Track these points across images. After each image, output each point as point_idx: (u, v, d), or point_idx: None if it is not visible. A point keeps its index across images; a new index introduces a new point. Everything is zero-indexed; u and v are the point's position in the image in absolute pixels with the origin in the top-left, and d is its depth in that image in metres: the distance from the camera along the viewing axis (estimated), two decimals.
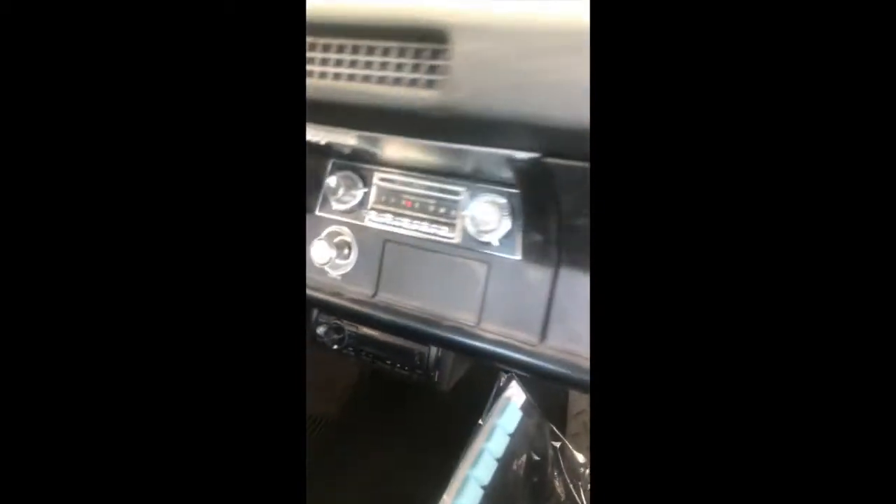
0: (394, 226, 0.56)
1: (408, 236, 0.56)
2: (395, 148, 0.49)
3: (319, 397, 1.01)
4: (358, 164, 0.58)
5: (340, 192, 0.57)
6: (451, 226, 0.54)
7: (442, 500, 0.75)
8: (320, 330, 0.74)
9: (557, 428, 0.96)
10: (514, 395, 0.91)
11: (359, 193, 0.58)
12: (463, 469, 0.79)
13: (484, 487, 0.80)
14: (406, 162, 0.55)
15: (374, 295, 0.57)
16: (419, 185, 0.56)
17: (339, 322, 0.73)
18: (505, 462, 0.85)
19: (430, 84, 0.36)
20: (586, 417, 1.02)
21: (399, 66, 0.38)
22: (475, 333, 0.52)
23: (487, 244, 0.51)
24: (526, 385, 0.92)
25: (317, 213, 0.60)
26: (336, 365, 1.06)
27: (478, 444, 0.82)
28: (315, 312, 0.76)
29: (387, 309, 0.56)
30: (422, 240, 0.55)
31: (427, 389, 0.71)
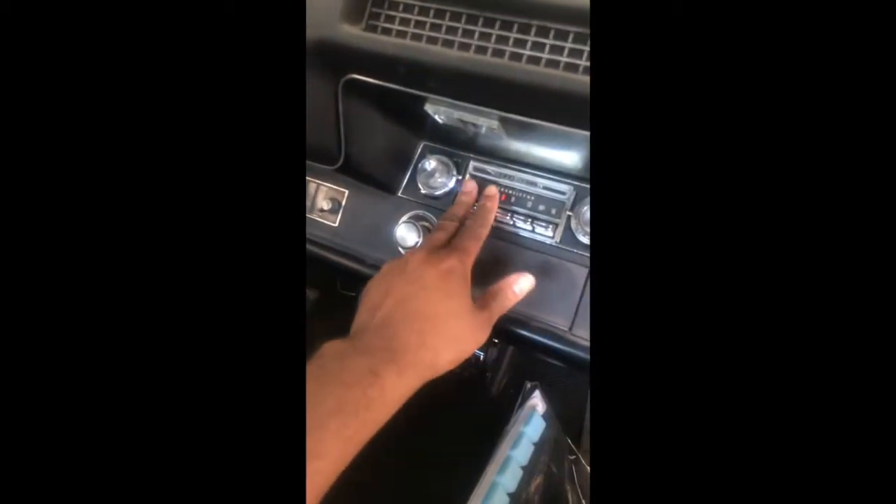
0: None
1: (500, 230, 0.54)
2: (511, 136, 0.47)
3: None
4: (454, 149, 0.56)
5: (436, 176, 0.55)
6: (551, 224, 0.52)
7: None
8: None
9: (573, 441, 0.95)
10: (538, 405, 0.90)
11: (451, 181, 0.55)
12: (490, 475, 0.77)
13: (510, 495, 0.79)
14: (508, 153, 0.53)
15: None
16: (519, 179, 0.54)
17: None
18: (529, 471, 0.84)
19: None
20: None
21: (560, 49, 0.36)
22: (567, 338, 0.50)
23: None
24: (546, 396, 0.92)
25: (399, 195, 0.58)
26: None
27: (504, 450, 0.81)
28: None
29: None
30: (516, 235, 0.53)
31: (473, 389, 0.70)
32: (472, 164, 0.56)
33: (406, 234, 0.53)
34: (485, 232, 0.47)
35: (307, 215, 0.60)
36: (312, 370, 0.35)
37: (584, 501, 0.90)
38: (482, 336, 0.42)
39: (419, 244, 0.54)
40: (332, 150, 0.50)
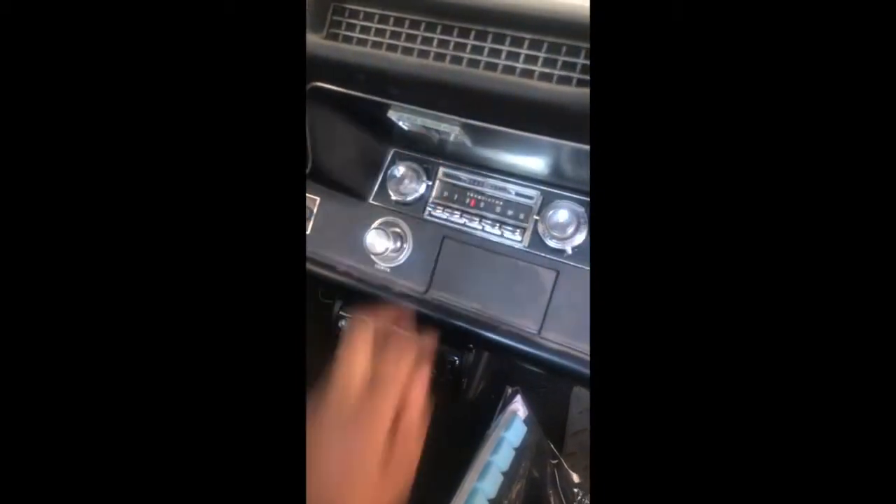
0: (455, 223, 0.55)
1: (469, 235, 0.54)
2: (478, 143, 0.47)
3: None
4: (423, 155, 0.57)
5: (405, 182, 0.55)
6: (519, 229, 0.52)
7: None
8: (343, 324, 0.71)
9: (555, 445, 0.95)
10: (520, 409, 0.90)
11: (422, 186, 0.56)
12: (470, 480, 0.77)
13: (490, 501, 0.78)
14: (476, 159, 0.54)
15: (426, 291, 0.55)
16: (488, 185, 0.54)
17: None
18: (510, 476, 0.83)
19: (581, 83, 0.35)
20: (583, 437, 1.02)
21: (516, 56, 0.37)
22: (536, 341, 0.51)
23: (560, 252, 0.50)
24: (528, 401, 0.92)
25: (370, 201, 0.58)
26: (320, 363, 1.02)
27: (484, 455, 0.80)
28: (338, 305, 0.73)
29: (438, 307, 0.54)
30: (485, 240, 0.54)
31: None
32: (441, 169, 0.56)
33: (376, 240, 0.54)
34: None
35: None
36: None
37: None
38: None
39: (388, 250, 0.54)
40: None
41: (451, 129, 0.42)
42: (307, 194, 0.60)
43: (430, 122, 0.43)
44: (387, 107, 0.44)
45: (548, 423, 0.95)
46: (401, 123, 0.45)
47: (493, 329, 0.52)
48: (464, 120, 0.41)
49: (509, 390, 0.93)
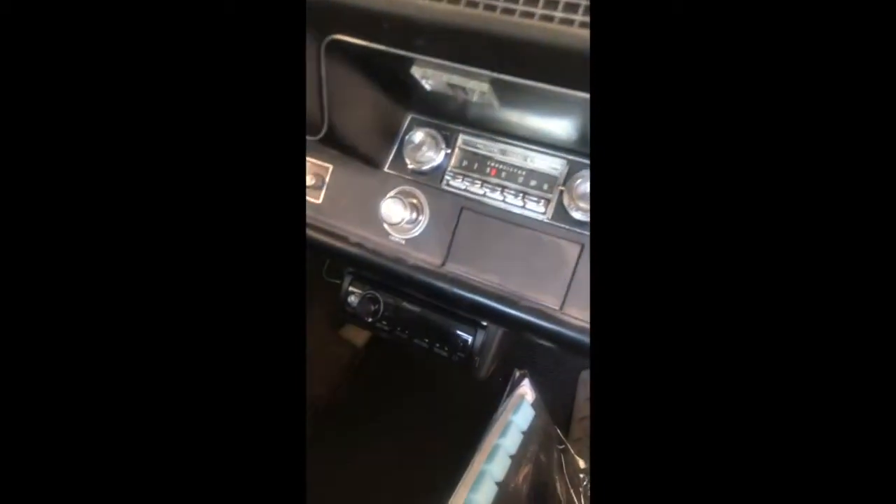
0: (474, 194, 0.52)
1: (489, 206, 0.52)
2: (503, 106, 0.45)
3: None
4: (442, 121, 0.54)
5: (423, 150, 0.52)
6: (543, 200, 0.50)
7: (457, 492, 0.71)
8: (353, 300, 0.69)
9: (561, 430, 0.94)
10: (528, 393, 0.89)
11: (440, 155, 0.53)
12: (478, 463, 0.76)
13: (498, 483, 0.77)
14: (499, 124, 0.51)
15: (443, 264, 0.52)
16: (511, 153, 0.52)
17: (375, 293, 0.68)
18: (517, 460, 0.82)
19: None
20: (589, 423, 1.01)
21: (555, 4, 0.34)
22: (557, 318, 0.48)
23: (584, 224, 0.48)
24: (535, 384, 0.91)
25: (386, 170, 0.55)
26: (321, 343, 1.01)
27: (492, 438, 0.79)
28: (347, 280, 0.70)
29: (455, 281, 0.52)
30: (505, 212, 0.51)
31: (458, 374, 0.68)
32: (461, 137, 0.54)
33: (392, 209, 0.51)
34: None
35: None
36: None
37: (572, 491, 0.89)
38: None
39: (404, 220, 0.51)
40: (315, 117, 0.47)
41: (478, 87, 0.39)
42: (320, 161, 0.57)
43: (456, 79, 0.40)
44: (410, 63, 0.41)
45: (555, 408, 0.94)
46: (424, 82, 0.43)
47: (513, 304, 0.50)
48: (495, 75, 0.38)
49: (517, 373, 0.92)
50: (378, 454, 0.84)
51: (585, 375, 1.02)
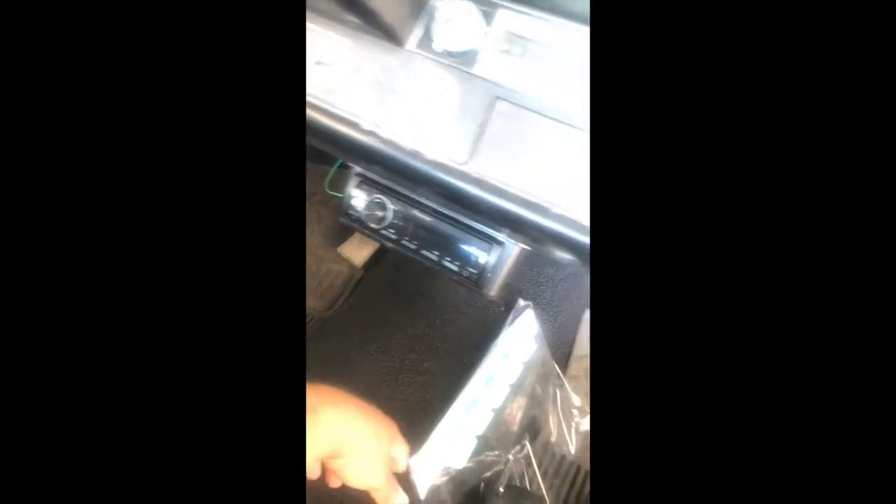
0: (511, 83, 0.45)
1: (528, 97, 0.45)
2: None
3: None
4: None
5: (455, 26, 0.45)
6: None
7: (453, 412, 0.69)
8: (357, 203, 0.63)
9: (559, 366, 0.92)
10: (531, 324, 0.85)
11: (475, 34, 0.45)
12: (476, 387, 0.73)
13: (495, 410, 0.75)
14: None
15: (467, 162, 0.46)
16: (565, 31, 0.44)
17: (381, 197, 0.61)
18: (515, 389, 0.80)
19: None
20: (588, 363, 0.99)
21: None
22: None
23: None
24: (539, 317, 0.87)
25: (409, 48, 0.48)
26: (319, 260, 0.96)
27: (492, 365, 0.76)
28: (354, 181, 0.64)
29: (478, 182, 0.46)
30: (545, 106, 0.44)
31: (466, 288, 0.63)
32: (500, 11, 0.46)
33: (417, 86, 0.44)
34: None
35: None
36: None
37: (564, 426, 0.88)
38: None
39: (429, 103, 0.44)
40: None
41: None
42: (335, 34, 0.50)
43: None
44: None
45: (555, 343, 0.91)
46: None
47: (544, 213, 0.44)
48: None
49: (521, 303, 0.88)
50: (375, 368, 0.81)
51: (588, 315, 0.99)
